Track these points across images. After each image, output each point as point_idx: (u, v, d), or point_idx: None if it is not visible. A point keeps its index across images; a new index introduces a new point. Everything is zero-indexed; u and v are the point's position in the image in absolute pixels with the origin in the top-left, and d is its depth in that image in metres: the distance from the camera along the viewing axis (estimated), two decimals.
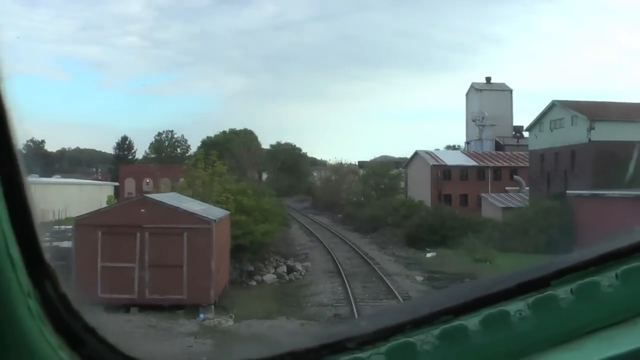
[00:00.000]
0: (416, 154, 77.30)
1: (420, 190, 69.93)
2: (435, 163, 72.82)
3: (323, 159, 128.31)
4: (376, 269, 35.43)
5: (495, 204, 58.94)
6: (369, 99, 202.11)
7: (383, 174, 75.75)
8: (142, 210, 23.96)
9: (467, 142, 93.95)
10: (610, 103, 54.07)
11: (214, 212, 27.06)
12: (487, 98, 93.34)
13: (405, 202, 61.21)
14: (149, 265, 23.78)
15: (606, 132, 49.74)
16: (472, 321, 1.35)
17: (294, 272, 35.10)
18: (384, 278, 32.14)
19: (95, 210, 26.31)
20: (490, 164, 74.12)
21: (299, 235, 55.69)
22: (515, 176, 68.55)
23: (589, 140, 50.78)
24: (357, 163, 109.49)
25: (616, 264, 1.39)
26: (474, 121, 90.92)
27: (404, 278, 33.39)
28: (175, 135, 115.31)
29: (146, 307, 23.56)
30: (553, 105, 57.33)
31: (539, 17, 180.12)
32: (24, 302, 1.27)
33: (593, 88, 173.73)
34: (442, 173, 72.02)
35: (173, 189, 37.23)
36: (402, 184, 77.82)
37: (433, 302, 1.48)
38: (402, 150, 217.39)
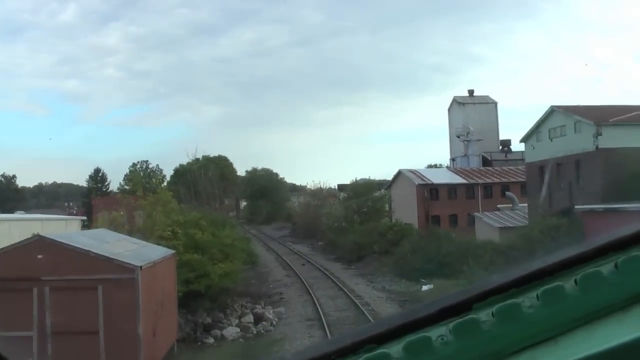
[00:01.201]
0: (399, 173, 71.84)
1: (405, 212, 64.41)
2: (421, 182, 67.53)
3: (302, 185, 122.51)
4: (366, 312, 28.69)
5: (491, 223, 53.08)
6: (348, 122, 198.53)
7: (365, 194, 69.25)
8: (40, 257, 16.97)
9: (453, 159, 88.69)
10: (619, 106, 48.14)
11: (146, 254, 19.97)
12: (471, 112, 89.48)
13: (392, 226, 54.65)
14: (52, 333, 16.85)
15: (616, 138, 44.02)
16: (394, 349, 1.32)
17: (263, 322, 28.22)
18: None
19: None
20: (480, 181, 69.21)
21: (274, 269, 49.08)
22: (507, 192, 63.72)
23: (597, 147, 44.93)
24: (336, 187, 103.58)
25: (538, 284, 1.38)
26: (458, 137, 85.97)
27: None
28: (150, 165, 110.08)
29: None
30: (552, 111, 51.17)
31: (515, 36, 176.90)
32: None
33: (573, 103, 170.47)
34: (429, 192, 66.72)
35: (98, 225, 30.26)
36: (387, 206, 71.69)
37: (358, 332, 1.42)
38: (382, 172, 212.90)
